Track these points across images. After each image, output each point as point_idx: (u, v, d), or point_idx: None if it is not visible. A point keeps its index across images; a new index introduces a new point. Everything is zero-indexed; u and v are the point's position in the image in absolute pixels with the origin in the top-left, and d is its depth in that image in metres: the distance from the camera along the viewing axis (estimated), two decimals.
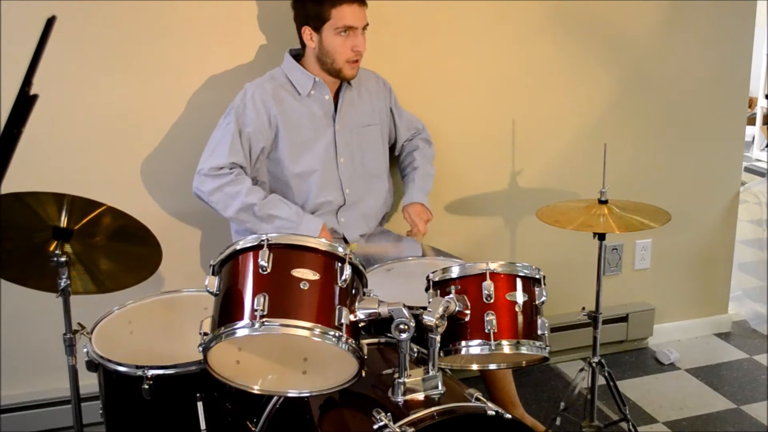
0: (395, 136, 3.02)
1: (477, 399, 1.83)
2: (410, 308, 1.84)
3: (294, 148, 2.70)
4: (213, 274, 1.85)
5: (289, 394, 1.90)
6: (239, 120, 2.64)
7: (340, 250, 1.84)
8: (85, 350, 2.21)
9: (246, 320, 1.74)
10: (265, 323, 1.72)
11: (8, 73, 2.62)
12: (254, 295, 1.75)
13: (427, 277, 2.04)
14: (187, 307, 2.45)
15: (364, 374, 1.83)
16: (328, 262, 1.82)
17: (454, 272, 1.99)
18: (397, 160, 3.08)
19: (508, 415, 1.79)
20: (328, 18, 2.60)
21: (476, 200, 3.41)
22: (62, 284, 2.13)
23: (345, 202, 2.80)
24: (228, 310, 1.79)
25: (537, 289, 2.01)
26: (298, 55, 2.76)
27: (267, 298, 1.74)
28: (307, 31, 2.65)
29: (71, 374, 2.24)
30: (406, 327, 1.81)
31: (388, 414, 1.74)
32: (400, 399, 1.84)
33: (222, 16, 2.89)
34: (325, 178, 2.74)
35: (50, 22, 1.32)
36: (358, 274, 1.89)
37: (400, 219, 2.97)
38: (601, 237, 2.65)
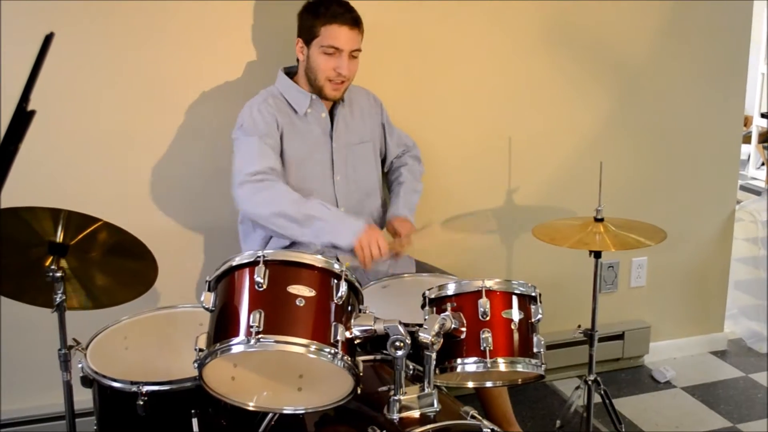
0: (385, 152, 3.00)
1: (473, 417, 1.83)
2: (406, 325, 1.84)
3: (293, 166, 2.68)
4: (209, 290, 1.85)
5: (285, 411, 1.90)
6: (258, 132, 2.60)
7: (336, 266, 1.84)
8: (80, 366, 2.20)
9: (241, 336, 1.74)
10: (261, 340, 1.72)
11: (6, 89, 2.63)
12: (250, 311, 1.75)
13: (423, 294, 2.04)
14: (182, 323, 2.45)
15: (359, 391, 1.83)
16: (324, 278, 1.82)
17: (450, 289, 1.99)
18: (386, 177, 3.07)
19: None
20: (318, 34, 2.60)
21: (472, 217, 3.41)
22: (58, 299, 2.12)
23: None
24: (224, 326, 1.79)
25: (533, 307, 2.01)
26: (289, 73, 2.77)
27: (263, 314, 1.74)
28: (299, 43, 2.66)
29: (66, 390, 2.23)
30: (402, 344, 1.81)
31: (384, 431, 1.73)
32: (396, 416, 1.84)
33: (217, 31, 2.90)
34: (321, 195, 2.71)
35: (48, 39, 1.33)
36: (354, 291, 1.89)
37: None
38: (597, 255, 2.65)
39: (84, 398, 2.33)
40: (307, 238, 2.53)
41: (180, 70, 2.89)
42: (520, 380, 2.11)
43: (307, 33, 2.63)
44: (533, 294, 2.03)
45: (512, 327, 1.97)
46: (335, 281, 1.83)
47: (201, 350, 1.80)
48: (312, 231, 2.51)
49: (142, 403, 2.06)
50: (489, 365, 1.91)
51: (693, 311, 3.94)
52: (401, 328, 1.82)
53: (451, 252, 3.37)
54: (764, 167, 7.41)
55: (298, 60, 2.72)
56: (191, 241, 3.02)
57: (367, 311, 1.89)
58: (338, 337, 1.77)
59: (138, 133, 2.89)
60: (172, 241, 2.99)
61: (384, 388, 1.93)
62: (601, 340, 2.99)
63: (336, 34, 2.59)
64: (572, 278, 3.53)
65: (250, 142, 2.60)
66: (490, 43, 3.27)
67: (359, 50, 2.66)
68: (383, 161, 3.02)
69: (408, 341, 1.82)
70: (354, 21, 2.63)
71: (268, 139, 2.61)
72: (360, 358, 1.85)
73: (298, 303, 1.77)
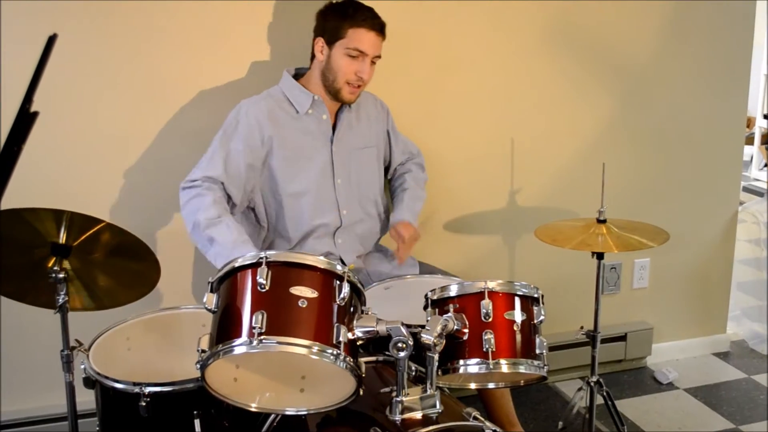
0: (390, 159, 3.01)
1: (475, 418, 1.83)
2: (408, 326, 1.84)
3: (289, 167, 2.68)
4: (211, 291, 1.85)
5: (287, 412, 1.89)
6: (227, 136, 2.62)
7: (339, 268, 1.84)
8: (82, 367, 2.20)
9: (244, 338, 1.74)
10: (263, 341, 1.72)
11: (7, 89, 2.64)
12: (252, 312, 1.75)
13: (426, 295, 2.04)
14: (185, 324, 2.45)
15: (361, 393, 1.83)
16: (326, 279, 1.82)
17: (453, 291, 1.99)
18: (389, 184, 3.07)
19: None
20: (343, 36, 2.60)
21: (475, 218, 3.42)
22: (60, 300, 2.12)
23: (342, 223, 2.77)
24: (226, 327, 1.79)
25: (535, 308, 2.01)
26: (296, 75, 2.77)
27: (265, 315, 1.74)
28: (320, 42, 2.65)
29: (68, 391, 2.23)
30: (405, 345, 1.81)
31: None
32: (398, 418, 1.83)
33: (219, 31, 2.90)
34: (320, 198, 2.73)
35: (51, 40, 1.33)
36: (357, 293, 1.89)
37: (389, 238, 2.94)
38: (600, 256, 2.65)
39: (86, 399, 2.34)
40: (211, 259, 2.49)
41: (182, 70, 2.90)
42: (522, 381, 2.11)
43: (330, 33, 2.62)
44: (536, 295, 2.03)
45: (515, 328, 1.97)
46: (338, 282, 1.83)
47: (203, 351, 1.79)
48: (212, 253, 2.47)
49: (144, 404, 2.06)
50: (491, 366, 1.91)
51: (695, 313, 3.94)
52: (404, 330, 1.81)
53: (454, 253, 3.38)
54: (767, 168, 7.40)
55: (312, 59, 2.72)
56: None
57: (370, 312, 1.89)
58: (340, 339, 1.77)
59: (141, 134, 2.89)
60: (174, 243, 2.99)
61: (386, 390, 1.93)
62: (603, 341, 2.99)
63: (363, 38, 2.59)
64: (574, 279, 3.53)
65: (214, 145, 2.63)
66: (491, 44, 3.27)
67: (379, 57, 2.67)
68: (387, 168, 3.02)
69: (410, 342, 1.81)
70: (381, 28, 2.64)
71: (238, 144, 2.61)
72: (362, 360, 1.85)
73: (300, 304, 1.77)
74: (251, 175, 2.65)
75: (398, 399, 1.84)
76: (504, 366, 1.93)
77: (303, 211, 2.71)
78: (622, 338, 3.70)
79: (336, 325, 1.79)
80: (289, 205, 2.70)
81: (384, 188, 2.97)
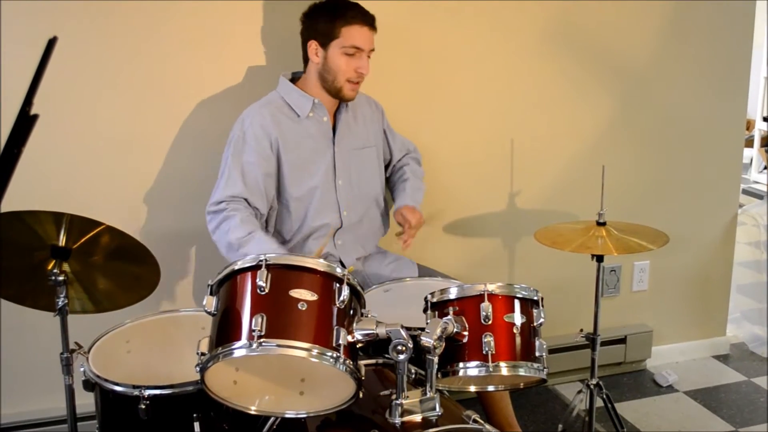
0: (390, 157, 3.01)
1: (474, 421, 1.83)
2: (408, 329, 1.84)
3: (294, 171, 2.68)
4: (211, 294, 1.85)
5: (287, 415, 1.89)
6: (238, 151, 2.62)
7: (338, 270, 1.84)
8: (81, 369, 2.20)
9: (243, 340, 1.74)
10: (263, 344, 1.72)
11: (6, 89, 2.63)
12: (252, 315, 1.75)
13: (425, 298, 2.04)
14: (184, 327, 2.45)
15: (361, 395, 1.83)
16: (326, 282, 1.82)
17: (452, 293, 1.99)
18: (388, 181, 3.06)
19: None
20: (337, 36, 2.60)
21: (474, 221, 3.42)
22: (60, 303, 2.12)
23: (342, 224, 2.78)
24: (225, 330, 1.79)
25: (535, 311, 2.01)
26: (293, 79, 2.77)
27: (265, 318, 1.74)
28: (313, 45, 2.65)
29: (68, 393, 2.23)
30: (404, 348, 1.81)
31: None
32: (398, 420, 1.83)
33: (220, 32, 2.90)
34: (323, 200, 2.73)
35: (51, 43, 1.33)
36: (356, 295, 1.89)
37: (393, 239, 2.94)
38: (600, 259, 2.65)
39: (86, 402, 2.33)
40: None
41: (182, 71, 2.89)
42: (522, 384, 2.11)
43: (323, 35, 2.62)
44: (535, 298, 2.02)
45: (514, 331, 1.97)
46: (337, 285, 1.83)
47: (203, 354, 1.79)
48: None
49: (144, 406, 2.06)
50: (491, 369, 1.91)
51: (695, 315, 3.93)
52: (403, 332, 1.82)
53: (453, 256, 3.38)
54: (767, 171, 7.40)
55: (306, 62, 2.72)
56: (193, 245, 3.02)
57: (369, 315, 1.89)
58: (340, 341, 1.77)
59: (141, 135, 2.89)
60: (174, 246, 2.99)
61: (386, 392, 1.93)
62: (603, 344, 2.99)
63: (357, 34, 2.60)
64: (574, 282, 3.53)
65: (226, 162, 2.64)
66: (491, 44, 3.27)
67: (373, 50, 2.68)
68: (386, 166, 3.02)
69: (410, 345, 1.81)
70: (372, 21, 2.65)
71: (250, 156, 2.61)
72: (362, 362, 1.85)
73: (300, 307, 1.77)
74: (269, 183, 2.66)
75: (398, 402, 1.84)
76: (503, 369, 1.93)
77: (306, 213, 2.72)
78: (622, 341, 3.70)
79: (336, 327, 1.79)
80: (294, 208, 2.71)
81: (385, 190, 2.97)
